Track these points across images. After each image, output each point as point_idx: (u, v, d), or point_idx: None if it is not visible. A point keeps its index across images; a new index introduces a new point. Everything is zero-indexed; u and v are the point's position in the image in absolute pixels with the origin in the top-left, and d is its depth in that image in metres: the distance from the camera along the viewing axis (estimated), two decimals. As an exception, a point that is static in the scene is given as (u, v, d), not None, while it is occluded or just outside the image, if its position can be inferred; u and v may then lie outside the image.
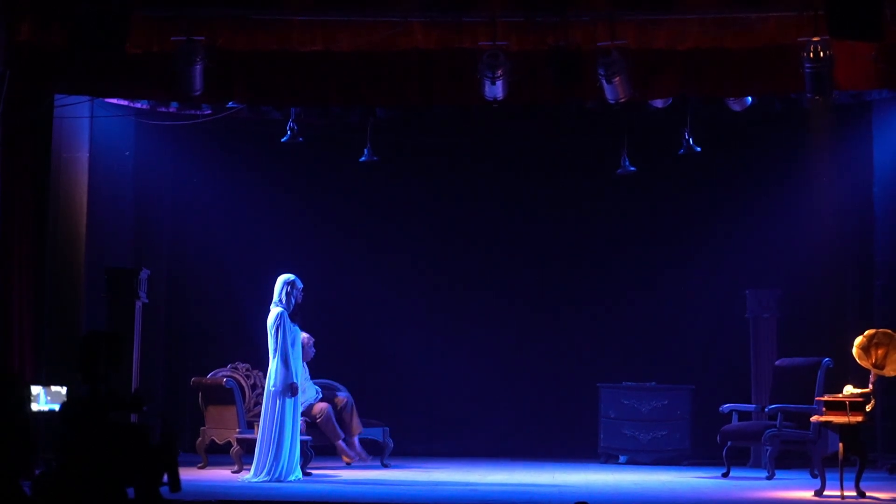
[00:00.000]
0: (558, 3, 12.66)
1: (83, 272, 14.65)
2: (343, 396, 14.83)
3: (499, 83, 12.72)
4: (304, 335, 14.64)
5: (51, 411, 12.17)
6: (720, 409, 14.75)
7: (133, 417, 12.41)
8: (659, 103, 14.07)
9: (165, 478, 9.70)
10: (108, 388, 9.48)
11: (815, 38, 12.43)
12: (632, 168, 15.89)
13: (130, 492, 9.71)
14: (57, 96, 13.41)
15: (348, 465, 14.67)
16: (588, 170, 16.95)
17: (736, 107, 14.23)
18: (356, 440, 14.72)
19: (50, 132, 13.34)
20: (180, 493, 9.88)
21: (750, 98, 14.08)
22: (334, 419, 14.53)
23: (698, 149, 15.25)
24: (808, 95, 12.96)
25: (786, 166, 16.48)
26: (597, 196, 17.14)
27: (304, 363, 14.69)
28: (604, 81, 12.73)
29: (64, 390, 12.42)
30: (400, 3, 12.77)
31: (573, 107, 14.89)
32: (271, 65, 13.11)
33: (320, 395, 14.64)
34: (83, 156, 14.81)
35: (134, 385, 14.27)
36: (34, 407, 12.41)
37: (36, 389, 12.49)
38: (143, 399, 9.90)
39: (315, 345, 14.69)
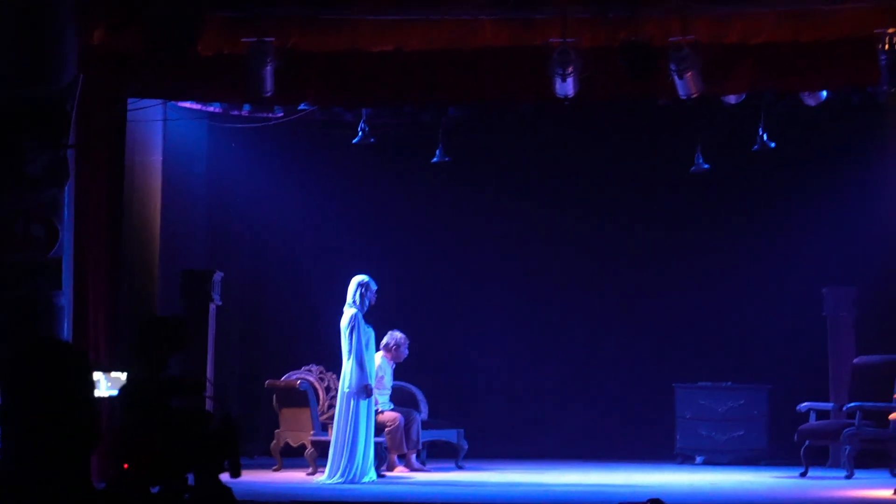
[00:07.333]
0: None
1: (157, 274, 14.74)
2: (415, 416, 14.82)
3: (569, 80, 12.61)
4: (399, 334, 14.66)
5: (111, 398, 11.99)
6: (798, 407, 14.62)
7: (209, 404, 12.37)
8: (732, 99, 13.93)
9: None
10: (170, 373, 9.48)
11: (891, 30, 12.27)
12: (706, 166, 15.78)
13: (190, 478, 9.72)
14: (130, 100, 13.47)
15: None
16: (661, 167, 16.82)
17: (810, 101, 14.04)
18: (413, 457, 14.71)
19: (123, 136, 13.37)
20: (240, 477, 9.86)
21: (825, 92, 13.91)
22: (402, 432, 14.51)
23: (773, 144, 15.14)
24: (884, 88, 12.79)
25: (861, 162, 16.26)
26: (671, 194, 17.03)
27: (393, 364, 14.70)
28: (676, 77, 12.62)
29: (124, 376, 12.33)
30: (470, 0, 12.71)
31: (645, 104, 14.80)
32: (342, 65, 13.06)
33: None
34: (157, 159, 14.92)
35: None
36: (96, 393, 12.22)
37: (97, 375, 12.34)
38: (204, 384, 9.87)
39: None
